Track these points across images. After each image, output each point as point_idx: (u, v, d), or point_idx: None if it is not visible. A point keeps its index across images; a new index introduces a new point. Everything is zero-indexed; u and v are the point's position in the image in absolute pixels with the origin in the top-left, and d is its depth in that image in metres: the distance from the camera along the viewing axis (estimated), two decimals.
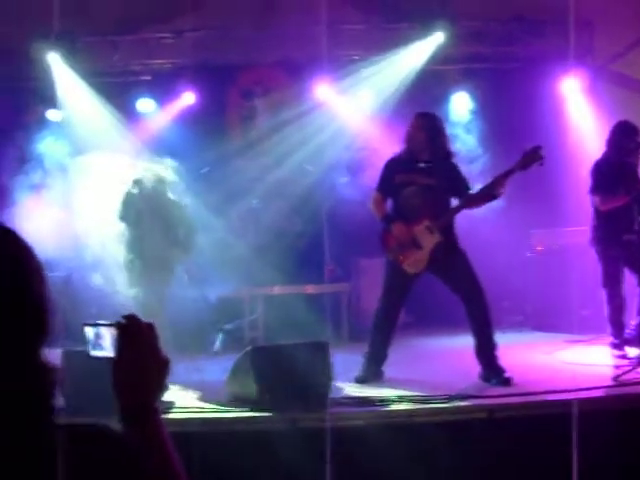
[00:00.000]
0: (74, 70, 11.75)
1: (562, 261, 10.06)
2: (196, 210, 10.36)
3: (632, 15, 10.90)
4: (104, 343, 1.78)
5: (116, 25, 11.86)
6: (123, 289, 8.36)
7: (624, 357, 7.68)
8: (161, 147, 11.23)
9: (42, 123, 12.10)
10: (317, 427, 5.45)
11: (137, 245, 8.35)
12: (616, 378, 6.57)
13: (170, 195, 8.69)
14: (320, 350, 6.25)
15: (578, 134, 11.03)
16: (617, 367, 7.17)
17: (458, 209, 7.24)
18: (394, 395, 6.20)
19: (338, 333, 10.06)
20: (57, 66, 11.63)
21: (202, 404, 6.30)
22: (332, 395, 6.17)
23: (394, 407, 5.94)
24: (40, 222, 10.57)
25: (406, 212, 7.24)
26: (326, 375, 6.15)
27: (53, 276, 10.34)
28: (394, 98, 11.21)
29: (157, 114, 12.08)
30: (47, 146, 11.91)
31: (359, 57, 11.77)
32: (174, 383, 6.29)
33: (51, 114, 12.10)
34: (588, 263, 8.49)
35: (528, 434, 5.52)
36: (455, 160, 7.48)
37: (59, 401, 1.58)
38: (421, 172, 7.25)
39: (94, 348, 1.81)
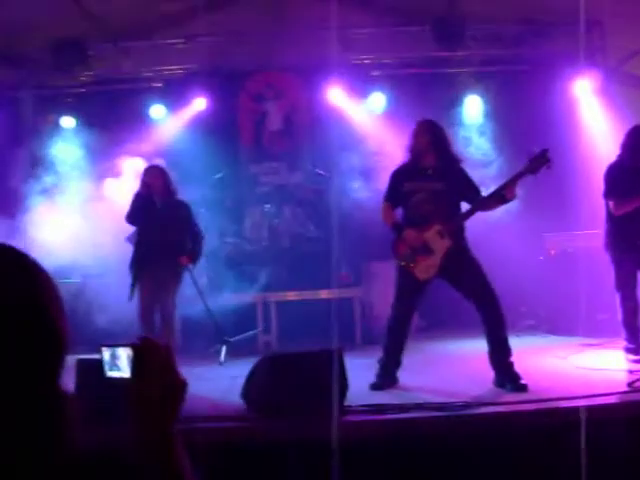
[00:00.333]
0: (85, 78, 11.81)
1: (575, 265, 10.01)
2: (209, 216, 10.42)
3: None
4: (120, 364, 1.80)
5: (127, 31, 11.88)
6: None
7: (639, 362, 7.65)
8: (173, 153, 11.31)
9: (55, 130, 12.14)
10: (333, 436, 5.44)
11: (145, 250, 8.45)
12: (631, 384, 6.51)
13: (178, 200, 8.79)
14: (335, 357, 6.24)
15: (590, 136, 11.01)
16: (632, 372, 7.12)
17: (469, 214, 7.22)
18: (411, 403, 6.18)
19: (351, 337, 10.09)
20: (70, 74, 11.65)
21: (216, 413, 6.28)
22: (348, 403, 6.17)
23: (410, 415, 5.92)
24: (54, 228, 10.62)
25: (416, 219, 7.23)
26: (342, 382, 6.15)
27: (68, 282, 10.40)
28: (406, 102, 11.20)
29: (169, 120, 12.11)
30: (60, 151, 11.94)
31: (370, 61, 11.80)
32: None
33: (64, 121, 12.14)
34: (601, 266, 8.45)
35: (542, 442, 5.50)
36: (462, 164, 7.46)
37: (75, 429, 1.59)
38: (428, 178, 7.25)
39: (111, 369, 1.82)
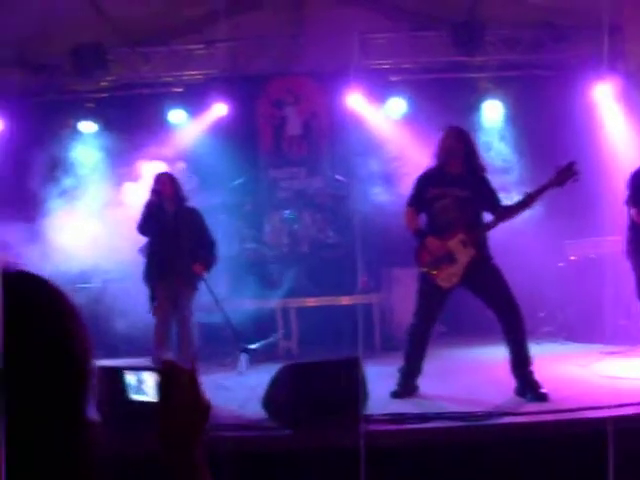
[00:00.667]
0: (105, 83, 11.85)
1: (596, 271, 9.98)
2: (229, 221, 10.42)
3: None
4: (146, 388, 1.80)
5: (147, 37, 11.93)
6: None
7: None
8: (193, 159, 11.34)
9: (75, 134, 12.19)
10: (353, 445, 5.43)
11: (158, 260, 8.41)
12: None
13: (189, 207, 8.74)
14: (355, 366, 6.23)
15: (611, 141, 10.95)
16: None
17: (493, 224, 7.19)
18: (431, 412, 6.15)
19: (371, 344, 10.05)
20: (90, 79, 11.70)
21: (237, 422, 6.27)
22: (368, 412, 6.15)
23: (431, 425, 5.90)
24: (73, 233, 10.65)
25: (440, 226, 7.21)
26: (361, 392, 6.14)
27: (88, 287, 10.44)
28: (426, 107, 11.18)
29: (189, 125, 12.13)
30: (80, 155, 12.00)
31: (389, 66, 11.79)
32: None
33: (84, 126, 12.19)
34: (622, 273, 8.41)
35: (565, 454, 5.46)
36: (486, 174, 7.43)
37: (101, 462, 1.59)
38: (454, 185, 7.22)
39: (136, 393, 1.83)
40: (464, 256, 7.07)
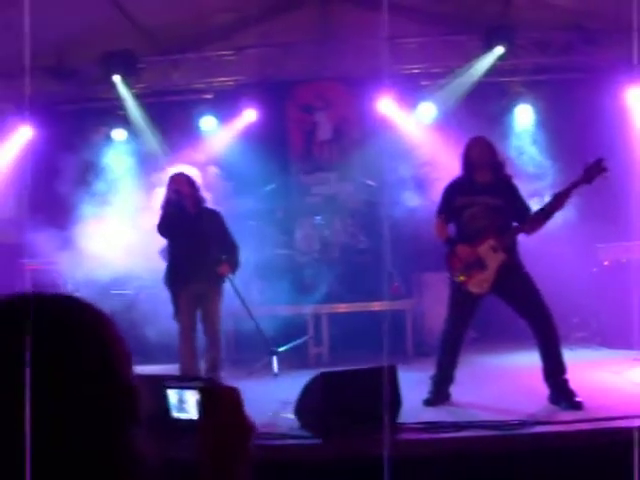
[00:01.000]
0: (136, 90, 11.92)
1: (629, 276, 9.89)
2: (261, 227, 10.44)
3: None
4: (187, 407, 1.81)
5: (177, 44, 11.98)
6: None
7: None
8: (224, 165, 11.38)
9: (107, 142, 12.27)
10: (385, 454, 5.41)
11: (181, 263, 8.22)
12: None
13: (209, 209, 8.56)
14: (388, 374, 6.20)
15: None
16: None
17: (521, 229, 7.16)
18: (464, 420, 6.13)
19: (402, 350, 10.03)
20: (120, 87, 11.77)
21: (268, 430, 6.25)
22: (400, 420, 6.14)
23: (464, 434, 5.87)
24: (106, 240, 10.71)
25: (470, 233, 7.21)
26: (394, 400, 6.12)
27: (122, 294, 10.49)
28: (456, 111, 11.15)
29: (219, 132, 12.17)
30: (111, 163, 12.09)
31: (419, 70, 11.76)
32: None
33: (116, 133, 12.27)
34: None
35: (599, 464, 5.41)
36: (513, 180, 7.41)
37: None
38: (482, 193, 7.21)
39: (178, 411, 1.84)
40: (494, 262, 7.05)
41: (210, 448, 1.69)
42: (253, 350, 9.59)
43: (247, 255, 9.12)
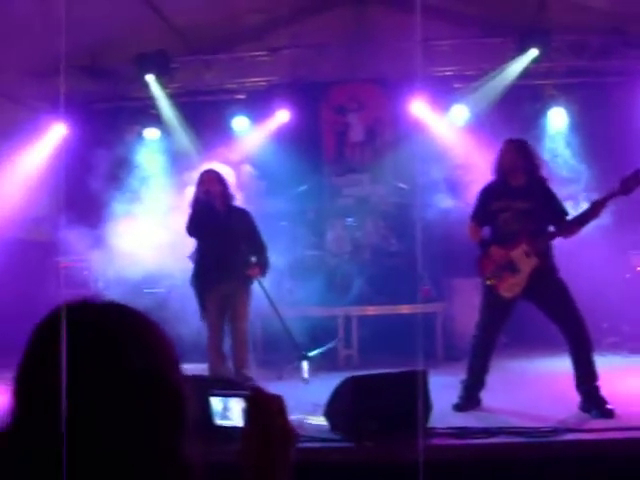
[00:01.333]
0: (169, 90, 11.98)
1: None
2: (292, 228, 10.44)
3: None
4: (231, 415, 1.83)
5: (210, 44, 12.03)
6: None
7: None
8: (257, 165, 11.40)
9: (140, 141, 12.34)
10: (415, 459, 5.39)
11: (209, 263, 8.07)
12: None
13: (239, 208, 8.40)
14: (419, 379, 6.18)
15: None
16: None
17: (556, 234, 7.13)
18: (494, 427, 6.10)
19: (433, 353, 10.01)
20: (154, 87, 11.83)
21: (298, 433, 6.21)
22: (431, 425, 6.12)
23: (494, 440, 5.84)
24: (138, 238, 10.75)
25: (503, 237, 7.16)
26: (425, 405, 6.10)
27: (154, 292, 10.53)
28: (489, 114, 11.12)
29: (252, 132, 12.20)
30: (144, 162, 12.16)
31: (452, 73, 11.74)
32: None
33: (148, 132, 12.33)
34: None
35: (630, 473, 5.37)
36: (550, 184, 7.36)
37: None
38: (517, 197, 7.16)
39: (221, 418, 1.86)
40: (527, 266, 7.01)
41: (255, 455, 1.71)
42: (281, 351, 9.53)
43: (278, 255, 9.11)
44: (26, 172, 12.00)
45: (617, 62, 11.33)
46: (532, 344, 10.25)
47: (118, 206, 11.24)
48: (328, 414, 6.30)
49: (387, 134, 12.17)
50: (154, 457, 1.50)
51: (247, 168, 11.47)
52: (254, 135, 12.19)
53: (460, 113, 11.79)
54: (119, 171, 11.89)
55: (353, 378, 6.30)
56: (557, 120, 11.70)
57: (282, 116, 12.09)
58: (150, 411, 1.49)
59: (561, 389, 7.30)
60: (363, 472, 5.61)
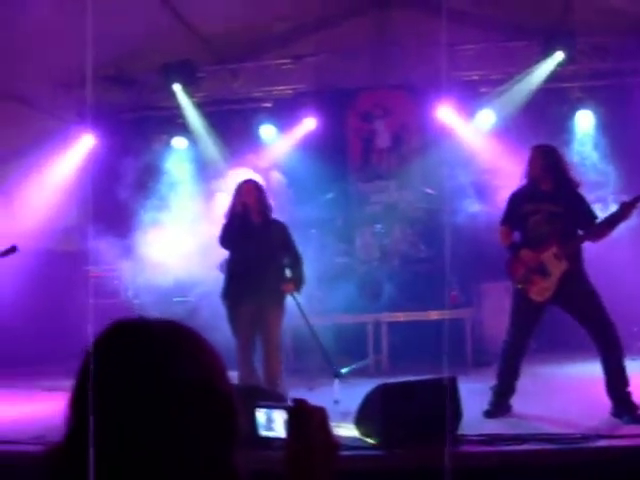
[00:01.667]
0: (196, 99, 12.04)
1: None
2: (320, 235, 10.44)
3: None
4: (275, 426, 1.85)
5: (236, 53, 12.08)
6: None
7: None
8: (284, 173, 11.42)
9: (168, 150, 12.42)
10: (446, 466, 5.39)
11: (243, 277, 7.84)
12: None
13: (275, 220, 8.17)
14: (449, 386, 6.17)
15: None
16: None
17: (586, 237, 7.10)
18: (525, 433, 6.07)
19: (462, 359, 9.98)
20: (180, 96, 11.89)
21: None
22: (461, 432, 6.10)
23: (526, 447, 5.82)
24: (167, 247, 10.80)
25: (534, 240, 7.14)
26: (455, 412, 6.09)
27: (184, 301, 10.57)
28: (516, 118, 11.09)
29: (279, 140, 12.23)
30: (172, 170, 12.22)
31: (478, 77, 11.72)
32: None
33: (176, 142, 12.40)
34: None
35: None
36: (580, 189, 7.33)
37: None
38: (547, 200, 7.14)
39: (265, 430, 1.88)
40: (557, 269, 6.98)
41: (297, 466, 1.72)
42: (312, 360, 9.49)
43: (307, 263, 9.09)
44: (55, 183, 12.13)
45: None
46: (562, 349, 10.19)
47: (147, 215, 11.30)
48: (358, 422, 6.30)
49: (413, 140, 12.15)
50: (208, 467, 1.52)
51: (276, 175, 11.51)
52: (281, 143, 12.22)
53: (486, 118, 11.76)
54: (147, 180, 11.97)
55: (383, 386, 6.29)
56: (584, 123, 11.64)
57: (308, 124, 12.12)
58: (203, 422, 1.51)
59: (592, 395, 7.25)
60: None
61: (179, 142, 12.56)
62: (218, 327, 9.11)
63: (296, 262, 8.10)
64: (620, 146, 11.03)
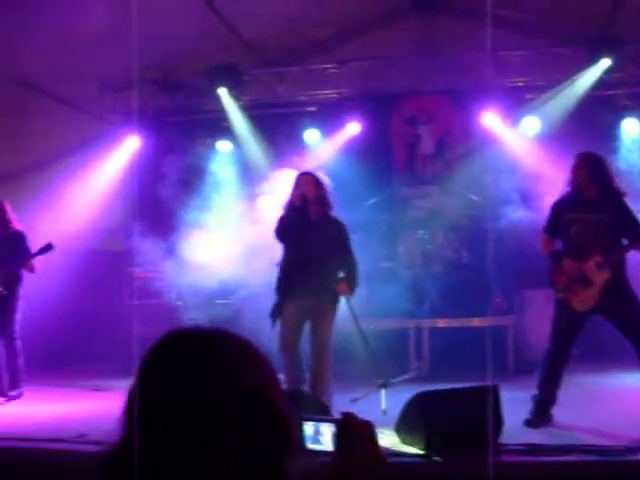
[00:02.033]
0: (241, 102, 12.09)
1: None
2: (364, 240, 10.43)
3: None
4: (323, 439, 1.86)
5: (281, 57, 12.13)
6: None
7: None
8: (328, 177, 11.43)
9: (213, 153, 12.49)
10: (486, 475, 5.37)
11: (296, 271, 7.66)
12: None
13: (334, 218, 8.01)
14: (491, 394, 6.13)
15: None
16: None
17: (630, 247, 7.06)
18: (567, 444, 6.03)
19: (504, 367, 9.91)
20: (226, 99, 11.96)
21: None
22: (502, 441, 6.08)
23: (567, 458, 5.78)
24: (210, 249, 10.85)
25: (576, 249, 7.11)
26: (496, 421, 6.07)
27: (227, 303, 10.61)
28: (562, 125, 11.02)
29: (323, 144, 12.25)
30: (217, 172, 12.29)
31: (523, 83, 11.66)
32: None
33: (221, 145, 12.47)
34: None
35: None
36: (626, 198, 7.27)
37: None
38: (590, 208, 7.11)
39: (313, 443, 1.89)
40: (600, 279, 6.95)
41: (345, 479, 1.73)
42: (354, 365, 9.40)
43: None
44: (100, 183, 12.24)
45: None
46: (605, 359, 10.09)
47: (191, 217, 11.37)
48: (399, 428, 6.31)
49: (458, 146, 12.11)
50: (262, 476, 1.54)
51: (324, 176, 11.53)
52: (325, 147, 12.23)
53: (531, 124, 11.68)
54: (191, 182, 12.05)
55: (424, 393, 6.30)
56: (630, 130, 11.52)
57: (352, 128, 12.12)
58: (257, 430, 1.53)
59: (635, 405, 7.21)
60: None
61: (224, 145, 12.63)
62: (262, 330, 9.15)
63: (351, 265, 7.91)
64: None
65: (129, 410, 1.57)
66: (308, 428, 1.94)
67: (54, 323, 10.61)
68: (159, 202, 11.63)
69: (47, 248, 9.04)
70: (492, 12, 8.95)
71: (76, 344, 11.10)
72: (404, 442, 6.20)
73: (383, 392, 7.88)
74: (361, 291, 9.43)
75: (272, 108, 12.42)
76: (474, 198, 11.31)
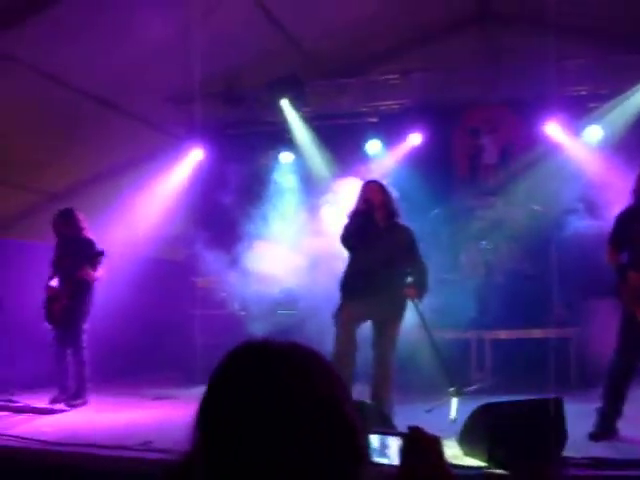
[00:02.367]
0: (302, 114, 12.15)
1: None
2: (426, 250, 10.41)
3: None
4: (389, 453, 1.88)
5: (343, 68, 12.18)
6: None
7: None
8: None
9: (275, 164, 12.57)
10: None
11: (361, 278, 7.59)
12: None
13: (401, 224, 7.98)
14: (555, 407, 6.10)
15: None
16: None
17: None
18: (633, 458, 5.92)
19: (566, 379, 9.78)
20: (288, 111, 12.03)
21: None
22: (566, 454, 6.03)
23: (633, 472, 5.71)
24: (273, 260, 10.92)
25: None
26: (560, 433, 6.02)
27: (288, 314, 10.67)
28: (625, 134, 10.90)
29: (385, 155, 12.25)
30: (279, 183, 12.36)
31: (586, 92, 11.55)
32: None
33: (283, 156, 12.55)
34: None
35: None
36: None
37: None
38: None
39: (379, 456, 1.91)
40: None
41: None
42: (418, 374, 9.36)
43: None
44: (164, 195, 12.39)
45: None
46: None
47: (253, 228, 11.45)
48: (461, 440, 6.29)
49: (521, 156, 12.02)
50: None
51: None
52: (387, 158, 12.24)
53: (595, 133, 11.57)
54: (254, 194, 12.12)
55: (487, 405, 6.27)
56: None
57: (414, 139, 12.13)
58: (332, 443, 1.52)
59: None
60: None
61: (286, 157, 12.70)
62: (324, 341, 9.18)
63: (420, 269, 7.89)
64: None
65: (202, 419, 1.58)
66: (374, 440, 1.95)
67: (115, 332, 10.73)
68: (222, 213, 11.74)
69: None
70: (555, 20, 8.93)
71: (139, 353, 11.22)
72: (466, 454, 6.17)
73: (454, 400, 7.88)
74: (423, 301, 9.41)
75: (334, 119, 12.46)
76: (537, 208, 11.24)
